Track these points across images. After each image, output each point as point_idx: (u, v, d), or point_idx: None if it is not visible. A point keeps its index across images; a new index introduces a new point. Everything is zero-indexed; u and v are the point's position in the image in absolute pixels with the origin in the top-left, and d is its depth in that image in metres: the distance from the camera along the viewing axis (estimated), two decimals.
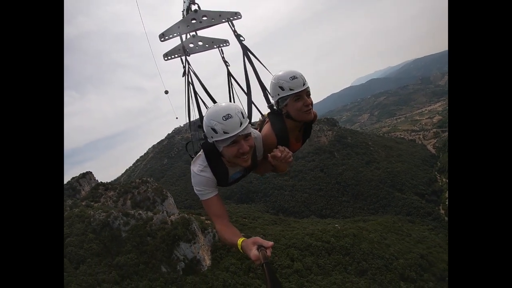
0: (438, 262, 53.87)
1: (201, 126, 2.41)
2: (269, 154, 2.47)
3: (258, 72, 3.01)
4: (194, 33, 3.85)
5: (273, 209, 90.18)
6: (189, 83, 3.23)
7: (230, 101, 3.71)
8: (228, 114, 2.15)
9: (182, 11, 3.80)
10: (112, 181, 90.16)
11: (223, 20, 3.52)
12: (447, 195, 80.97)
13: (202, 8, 3.55)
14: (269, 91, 2.84)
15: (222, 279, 44.39)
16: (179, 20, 3.62)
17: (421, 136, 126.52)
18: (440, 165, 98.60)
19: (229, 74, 3.81)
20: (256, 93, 2.99)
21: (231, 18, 3.49)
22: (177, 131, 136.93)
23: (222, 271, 46.52)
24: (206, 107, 3.15)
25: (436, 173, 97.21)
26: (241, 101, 3.50)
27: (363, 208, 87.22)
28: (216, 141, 2.23)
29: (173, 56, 3.83)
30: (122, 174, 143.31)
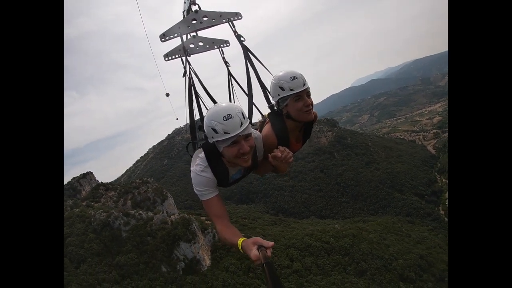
0: (437, 262, 53.90)
1: (201, 127, 2.41)
2: (269, 155, 2.47)
3: (259, 73, 3.01)
4: (194, 33, 3.86)
5: (273, 210, 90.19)
6: (190, 84, 3.23)
7: (231, 101, 3.71)
8: (229, 114, 2.15)
9: (183, 12, 3.81)
10: (112, 181, 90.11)
11: (224, 21, 3.52)
12: (447, 195, 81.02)
13: (202, 9, 3.55)
14: (269, 91, 2.84)
15: (221, 279, 44.50)
16: (180, 20, 3.63)
17: (421, 137, 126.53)
18: (440, 165, 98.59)
19: (230, 75, 3.81)
20: (257, 94, 3.00)
21: (232, 19, 3.49)
22: (177, 131, 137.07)
23: (221, 271, 46.61)
24: (207, 107, 3.15)
25: (436, 173, 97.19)
26: (241, 101, 3.51)
27: (363, 208, 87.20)
28: (216, 141, 2.23)
29: (173, 57, 3.84)
30: (123, 174, 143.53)
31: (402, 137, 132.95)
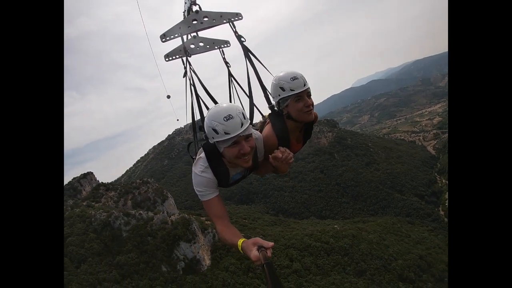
0: (437, 263, 53.95)
1: (202, 127, 2.41)
2: (270, 155, 2.47)
3: (259, 73, 3.01)
4: (195, 34, 3.86)
5: (273, 210, 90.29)
6: (190, 84, 3.23)
7: (231, 102, 3.71)
8: (229, 114, 2.15)
9: (183, 12, 3.80)
10: (112, 181, 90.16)
11: (224, 21, 3.52)
12: (446, 196, 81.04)
13: (203, 9, 3.54)
14: (269, 92, 2.84)
15: (221, 279, 44.64)
16: (180, 21, 3.63)
17: (421, 138, 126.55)
18: (440, 166, 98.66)
19: (230, 75, 3.81)
20: (257, 94, 3.00)
21: (232, 19, 3.48)
22: (177, 132, 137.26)
23: (221, 270, 46.75)
24: (207, 108, 3.15)
25: (436, 174, 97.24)
26: (242, 102, 3.50)
27: (362, 209, 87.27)
28: (217, 141, 2.23)
29: (174, 57, 3.84)
30: (123, 174, 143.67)
31: (402, 137, 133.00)
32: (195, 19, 3.55)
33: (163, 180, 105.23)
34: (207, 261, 48.53)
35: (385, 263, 52.90)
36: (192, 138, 3.18)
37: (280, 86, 2.65)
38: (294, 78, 2.61)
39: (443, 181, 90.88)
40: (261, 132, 2.85)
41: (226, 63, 3.93)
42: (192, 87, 3.20)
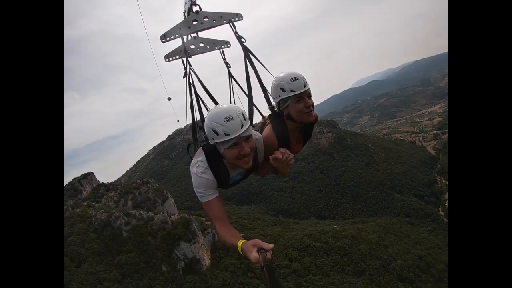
0: (436, 263, 54.00)
1: (202, 128, 2.40)
2: (270, 157, 2.46)
3: (259, 74, 3.00)
4: (195, 34, 3.86)
5: (273, 211, 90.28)
6: (190, 85, 3.23)
7: (231, 102, 3.71)
8: (230, 115, 2.14)
9: (184, 13, 3.80)
10: (113, 181, 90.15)
11: (224, 22, 3.51)
12: (446, 196, 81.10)
13: (203, 10, 3.54)
14: (270, 92, 2.83)
15: (221, 278, 44.76)
16: (180, 21, 3.62)
17: (421, 138, 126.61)
18: (440, 166, 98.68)
19: (230, 76, 3.81)
20: (257, 95, 2.99)
21: (232, 20, 3.48)
22: (177, 132, 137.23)
23: (221, 270, 46.88)
24: (207, 108, 3.15)
25: (435, 174, 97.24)
26: (242, 102, 3.50)
27: (362, 209, 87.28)
28: (217, 142, 2.22)
29: (174, 58, 3.84)
30: (123, 175, 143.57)
31: (402, 138, 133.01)
32: (195, 19, 3.55)
33: (163, 180, 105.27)
34: (207, 261, 48.64)
35: (385, 263, 52.98)
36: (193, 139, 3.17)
37: (280, 87, 2.65)
38: (295, 79, 2.60)
39: (443, 181, 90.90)
40: (261, 132, 2.85)
41: (226, 63, 3.93)
42: (192, 88, 3.19)
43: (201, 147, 2.49)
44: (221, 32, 3.82)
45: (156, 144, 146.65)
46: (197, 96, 3.15)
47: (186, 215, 53.07)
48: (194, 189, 2.48)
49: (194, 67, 3.43)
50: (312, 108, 2.70)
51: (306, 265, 51.45)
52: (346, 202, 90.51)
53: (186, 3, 3.71)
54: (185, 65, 3.48)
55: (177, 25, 3.58)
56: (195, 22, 3.56)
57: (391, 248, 57.14)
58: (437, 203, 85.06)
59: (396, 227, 68.63)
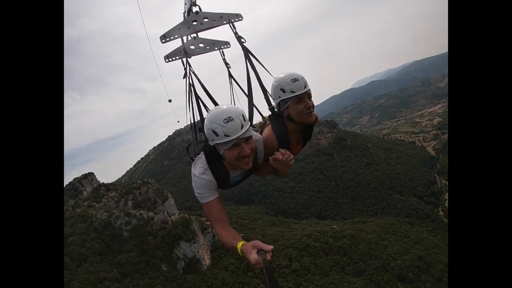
0: (436, 263, 54.06)
1: (202, 129, 2.39)
2: (270, 157, 2.46)
3: (259, 74, 3.00)
4: (195, 34, 3.85)
5: (272, 211, 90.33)
6: (190, 85, 3.22)
7: (231, 103, 3.70)
8: (229, 117, 2.12)
9: (183, 13, 3.79)
10: (113, 182, 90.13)
11: (224, 22, 3.50)
12: (446, 196, 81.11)
13: (203, 10, 3.53)
14: (270, 93, 2.83)
15: (221, 278, 44.87)
16: (180, 22, 3.61)
17: (421, 138, 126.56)
18: (440, 167, 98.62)
19: (230, 76, 3.81)
20: (257, 95, 2.99)
21: (232, 20, 3.47)
22: (177, 133, 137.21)
23: (221, 270, 46.99)
24: (207, 109, 3.14)
25: (435, 175, 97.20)
26: (242, 103, 3.49)
27: (362, 210, 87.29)
28: (217, 144, 2.21)
29: (174, 58, 3.84)
30: (123, 175, 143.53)
31: (402, 138, 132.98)
32: (195, 20, 3.54)
33: (163, 180, 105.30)
34: (206, 261, 48.73)
35: (384, 263, 53.05)
36: (192, 139, 3.16)
37: (280, 87, 2.64)
38: (295, 79, 2.59)
39: (443, 181, 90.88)
40: (261, 133, 2.84)
41: (226, 64, 3.93)
42: (192, 89, 3.19)
43: (201, 148, 2.48)
44: (221, 33, 3.81)
45: (156, 144, 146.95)
46: (197, 96, 3.14)
47: (186, 215, 53.14)
48: (194, 190, 2.47)
49: (194, 67, 3.42)
50: (312, 109, 2.69)
51: (305, 265, 51.53)
52: (346, 202, 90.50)
53: (185, 4, 3.69)
54: (185, 66, 3.47)
55: (176, 25, 3.56)
56: (195, 23, 3.55)
57: (391, 248, 57.19)
58: (437, 203, 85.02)
59: (396, 227, 68.69)
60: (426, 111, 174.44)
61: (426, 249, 59.05)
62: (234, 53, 4.13)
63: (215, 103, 3.16)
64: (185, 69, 3.43)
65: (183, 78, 3.38)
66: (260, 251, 1.97)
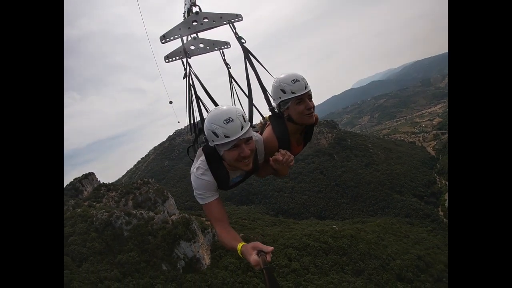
0: (435, 263, 54.05)
1: (202, 129, 2.38)
2: (270, 158, 2.45)
3: (260, 75, 2.99)
4: (195, 35, 3.85)
5: (272, 211, 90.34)
6: (190, 86, 3.22)
7: (232, 103, 3.70)
8: (229, 117, 2.11)
9: (183, 13, 3.79)
10: (113, 182, 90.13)
11: (224, 22, 3.50)
12: (446, 197, 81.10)
13: (203, 10, 3.53)
14: (270, 93, 2.82)
15: (221, 278, 44.91)
16: (180, 22, 3.61)
17: (421, 138, 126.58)
18: (440, 167, 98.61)
19: (230, 77, 3.80)
20: (257, 96, 2.98)
21: (232, 20, 3.47)
22: (178, 133, 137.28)
23: (221, 269, 47.02)
24: (207, 109, 3.14)
25: (435, 175, 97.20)
26: (242, 103, 3.48)
27: (362, 210, 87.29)
28: (217, 144, 2.20)
29: (174, 58, 3.84)
30: (124, 175, 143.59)
31: (402, 138, 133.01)
32: (195, 20, 3.53)
33: (163, 180, 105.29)
34: (206, 260, 48.79)
35: (383, 263, 53.04)
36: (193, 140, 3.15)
37: (281, 88, 2.63)
38: (295, 80, 2.58)
39: (443, 181, 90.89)
40: (261, 134, 2.83)
41: (226, 64, 3.92)
42: (192, 89, 3.18)
43: (201, 148, 2.47)
44: (221, 33, 3.82)
45: (156, 144, 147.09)
46: (197, 97, 3.13)
47: (187, 215, 53.19)
48: (194, 191, 2.45)
49: (194, 67, 3.42)
50: (312, 110, 2.68)
51: (305, 265, 51.54)
52: (345, 202, 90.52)
53: (185, 4, 3.69)
54: (185, 66, 3.47)
55: (176, 25, 3.56)
56: (195, 23, 3.55)
57: (390, 248, 57.18)
58: (437, 203, 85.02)
59: (396, 227, 68.67)
60: (426, 111, 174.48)
61: (425, 249, 59.03)
62: (234, 53, 4.13)
63: (215, 104, 3.15)
64: (185, 69, 3.43)
65: (183, 78, 3.38)
66: (260, 252, 1.96)
